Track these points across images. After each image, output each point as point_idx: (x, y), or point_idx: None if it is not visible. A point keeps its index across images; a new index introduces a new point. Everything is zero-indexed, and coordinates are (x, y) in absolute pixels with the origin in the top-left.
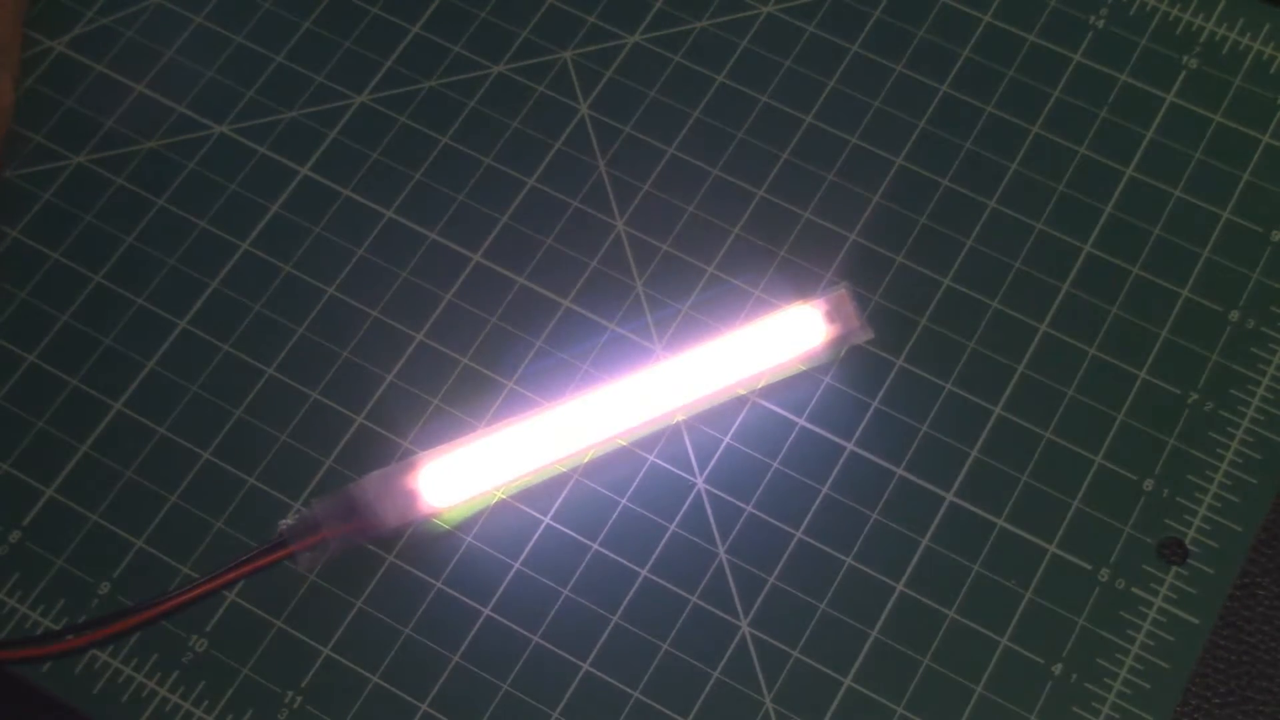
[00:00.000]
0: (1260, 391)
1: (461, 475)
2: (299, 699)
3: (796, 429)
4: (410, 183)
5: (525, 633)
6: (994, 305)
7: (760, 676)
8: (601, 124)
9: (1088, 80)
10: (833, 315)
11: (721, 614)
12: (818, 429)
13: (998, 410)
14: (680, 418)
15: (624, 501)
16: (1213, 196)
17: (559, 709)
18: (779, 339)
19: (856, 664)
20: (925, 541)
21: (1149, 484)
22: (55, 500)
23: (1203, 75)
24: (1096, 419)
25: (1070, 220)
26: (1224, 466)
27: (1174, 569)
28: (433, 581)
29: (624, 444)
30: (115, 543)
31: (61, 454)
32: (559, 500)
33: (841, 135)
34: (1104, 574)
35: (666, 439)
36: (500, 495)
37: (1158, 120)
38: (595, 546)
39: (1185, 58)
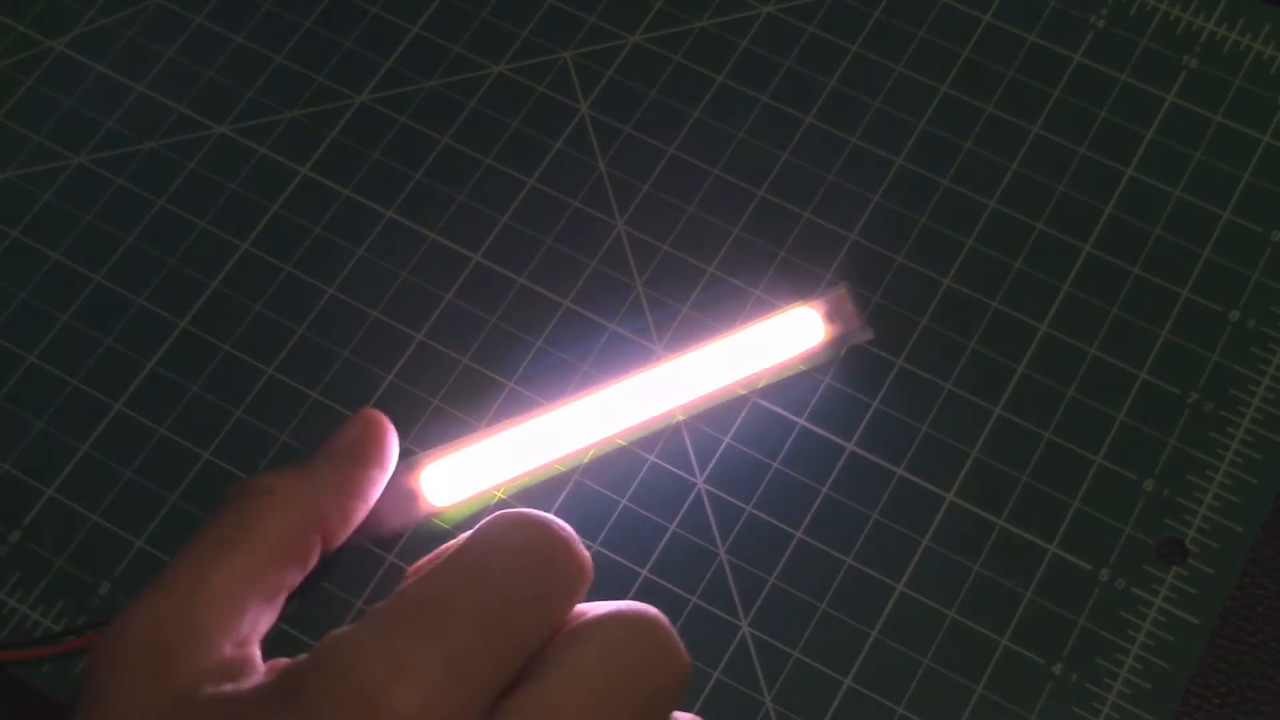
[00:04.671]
0: (1260, 391)
1: (462, 475)
2: None
3: (796, 429)
4: (410, 183)
5: None
6: (994, 305)
7: (760, 676)
8: (601, 124)
9: (1088, 80)
10: (832, 315)
11: (721, 614)
12: (818, 429)
13: (998, 410)
14: (680, 418)
15: (624, 501)
16: (1213, 196)
17: None
18: (779, 339)
19: (856, 664)
20: (925, 541)
21: (1149, 484)
22: (55, 500)
23: (1203, 75)
24: (1096, 419)
25: (1070, 220)
26: (1224, 466)
27: (1174, 569)
28: None
29: (624, 444)
30: (115, 543)
31: (61, 454)
32: (559, 500)
33: (841, 135)
34: (1104, 574)
35: (666, 439)
36: (500, 495)
37: (1158, 120)
38: (595, 546)
39: (1185, 58)
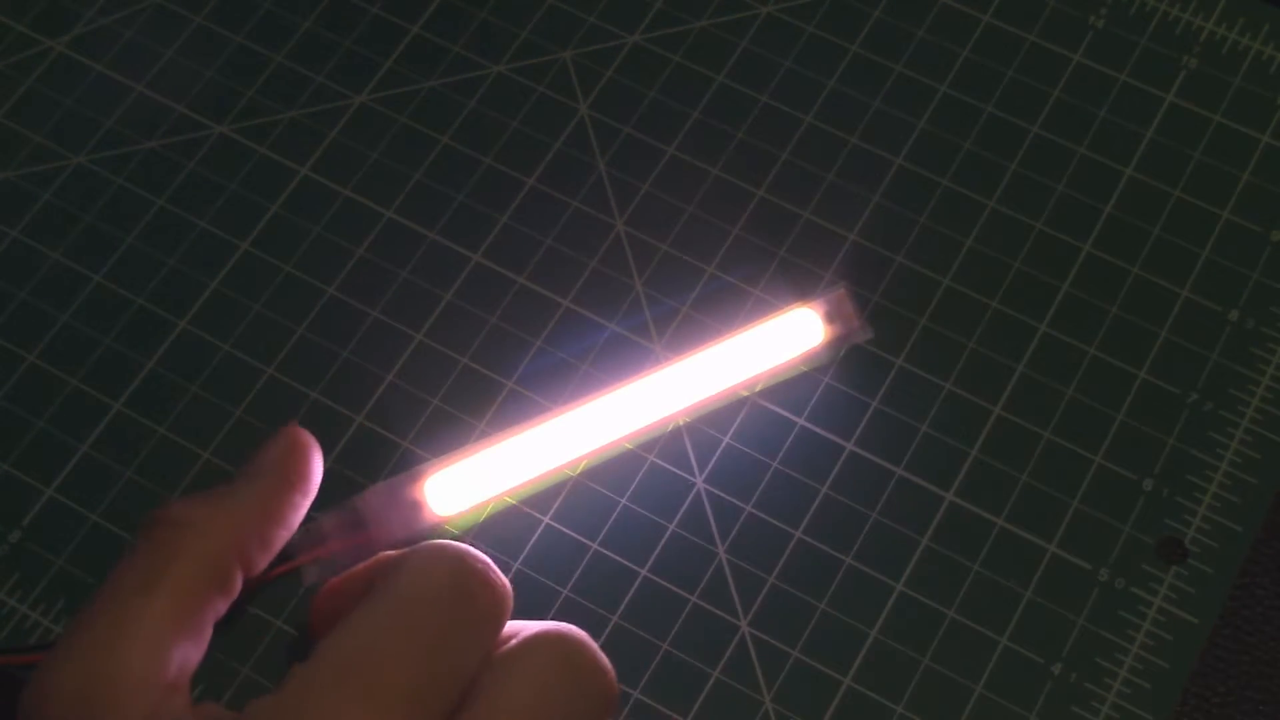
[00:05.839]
0: (1260, 391)
1: (466, 484)
2: None
3: (796, 429)
4: (410, 183)
5: None
6: (994, 305)
7: (760, 676)
8: (601, 124)
9: (1088, 80)
10: (832, 315)
11: (721, 614)
12: (817, 429)
13: (997, 410)
14: (681, 420)
15: (624, 501)
16: (1213, 196)
17: None
18: (778, 340)
19: (856, 664)
20: (925, 541)
21: (1149, 484)
22: (55, 500)
23: (1202, 75)
24: (1096, 419)
25: (1070, 220)
26: (1224, 466)
27: (1173, 569)
28: None
29: (624, 445)
30: (115, 543)
31: (61, 454)
32: (559, 500)
33: (841, 135)
34: (1104, 574)
35: (666, 439)
36: (510, 500)
37: (1157, 120)
38: (595, 546)
39: (1185, 58)
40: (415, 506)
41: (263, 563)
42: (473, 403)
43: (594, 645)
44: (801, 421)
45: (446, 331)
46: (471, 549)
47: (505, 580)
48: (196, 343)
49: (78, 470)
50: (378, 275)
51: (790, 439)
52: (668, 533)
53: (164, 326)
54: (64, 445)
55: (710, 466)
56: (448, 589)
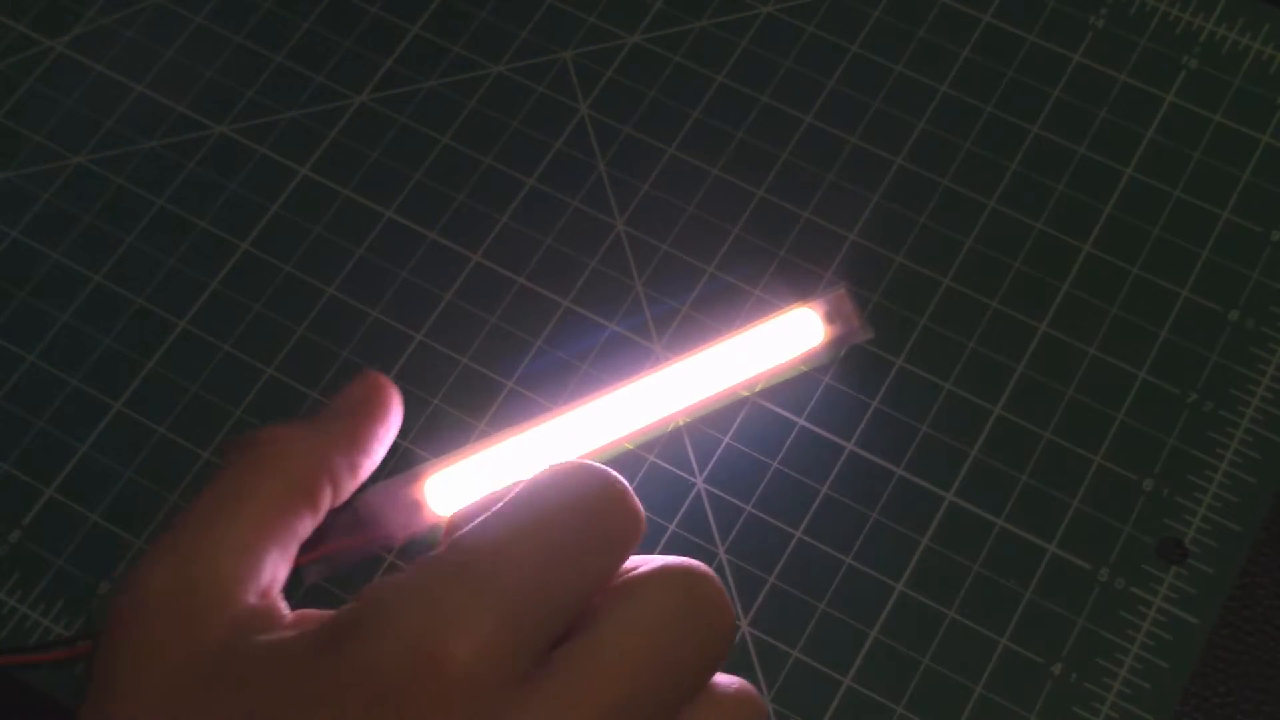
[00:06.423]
0: (1260, 391)
1: (466, 484)
2: None
3: (796, 429)
4: (410, 183)
5: None
6: (994, 305)
7: (760, 676)
8: (601, 124)
9: (1087, 80)
10: (832, 316)
11: None
12: (818, 429)
13: (998, 410)
14: (681, 420)
15: None
16: (1212, 196)
17: None
18: (779, 340)
19: (856, 664)
20: (925, 541)
21: (1149, 484)
22: (55, 500)
23: (1202, 75)
24: (1096, 419)
25: (1070, 220)
26: (1224, 466)
27: (1173, 569)
28: None
29: (625, 445)
30: (115, 543)
31: (61, 454)
32: None
33: (841, 135)
34: (1104, 574)
35: (666, 439)
36: None
37: (1157, 120)
38: None
39: (1185, 58)
40: (415, 506)
41: (350, 488)
42: (473, 403)
43: (719, 582)
44: (801, 421)
45: (446, 331)
46: (611, 470)
47: (640, 507)
48: (196, 343)
49: (78, 470)
50: (378, 275)
51: (790, 439)
52: (668, 533)
53: (164, 326)
54: (64, 445)
55: (710, 466)
56: (584, 500)
